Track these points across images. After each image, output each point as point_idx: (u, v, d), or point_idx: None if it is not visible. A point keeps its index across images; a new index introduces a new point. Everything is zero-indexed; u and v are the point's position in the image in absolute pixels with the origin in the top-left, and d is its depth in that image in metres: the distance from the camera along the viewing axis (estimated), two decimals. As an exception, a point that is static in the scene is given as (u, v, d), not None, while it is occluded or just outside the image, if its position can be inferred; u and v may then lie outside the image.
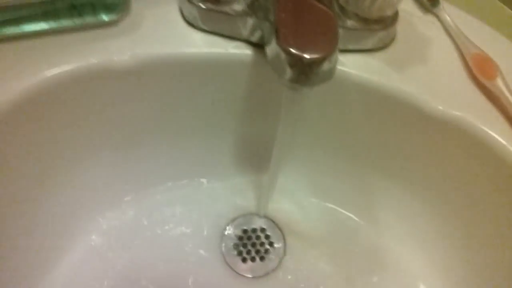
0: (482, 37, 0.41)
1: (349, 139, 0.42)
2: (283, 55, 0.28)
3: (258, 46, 0.36)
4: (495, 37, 0.43)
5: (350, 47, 0.37)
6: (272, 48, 0.29)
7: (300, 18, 0.30)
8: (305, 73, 0.28)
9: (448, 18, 0.42)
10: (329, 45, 0.29)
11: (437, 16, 0.42)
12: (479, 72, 0.39)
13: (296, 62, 0.28)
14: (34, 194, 0.36)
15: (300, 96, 0.33)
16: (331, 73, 0.30)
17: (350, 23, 0.36)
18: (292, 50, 0.28)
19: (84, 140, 0.37)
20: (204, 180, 0.46)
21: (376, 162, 0.42)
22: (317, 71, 0.28)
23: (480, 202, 0.38)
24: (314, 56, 0.28)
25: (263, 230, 0.45)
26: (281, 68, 0.29)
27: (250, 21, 0.35)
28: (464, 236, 0.40)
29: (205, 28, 0.36)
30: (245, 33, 0.35)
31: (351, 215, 0.47)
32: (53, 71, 0.32)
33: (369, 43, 0.38)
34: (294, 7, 0.31)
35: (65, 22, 0.33)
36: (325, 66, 0.29)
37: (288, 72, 0.29)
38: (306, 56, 0.28)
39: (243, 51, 0.36)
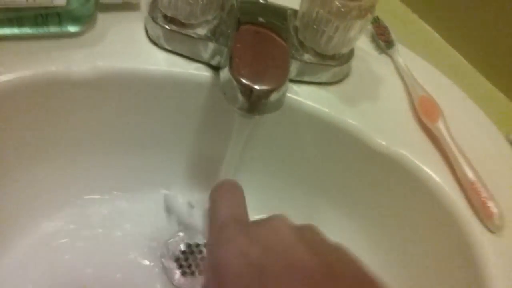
0: (431, 80, 0.44)
1: (297, 164, 0.43)
2: (234, 84, 0.30)
3: (217, 69, 0.37)
4: (443, 81, 0.46)
5: (306, 79, 0.39)
6: (225, 75, 0.31)
7: (255, 49, 0.32)
8: (254, 102, 0.30)
9: (400, 60, 0.45)
10: (280, 77, 0.31)
11: (391, 57, 0.45)
12: (424, 113, 0.41)
13: (246, 92, 0.30)
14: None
15: (251, 121, 0.34)
16: (279, 103, 0.32)
17: (307, 57, 0.38)
18: (243, 80, 0.29)
19: (35, 144, 0.37)
20: (152, 193, 0.46)
21: (321, 188, 0.44)
22: (266, 101, 0.30)
23: (415, 232, 0.41)
24: (264, 87, 0.30)
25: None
26: (232, 95, 0.30)
27: (211, 46, 0.36)
28: (397, 257, 0.42)
29: (168, 47, 0.37)
30: (205, 56, 0.37)
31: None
32: (11, 76, 0.32)
33: (324, 76, 0.40)
34: (252, 37, 0.33)
35: (29, 30, 0.34)
36: (274, 97, 0.30)
37: (239, 100, 0.30)
38: (256, 87, 0.30)
39: (202, 72, 0.37)
